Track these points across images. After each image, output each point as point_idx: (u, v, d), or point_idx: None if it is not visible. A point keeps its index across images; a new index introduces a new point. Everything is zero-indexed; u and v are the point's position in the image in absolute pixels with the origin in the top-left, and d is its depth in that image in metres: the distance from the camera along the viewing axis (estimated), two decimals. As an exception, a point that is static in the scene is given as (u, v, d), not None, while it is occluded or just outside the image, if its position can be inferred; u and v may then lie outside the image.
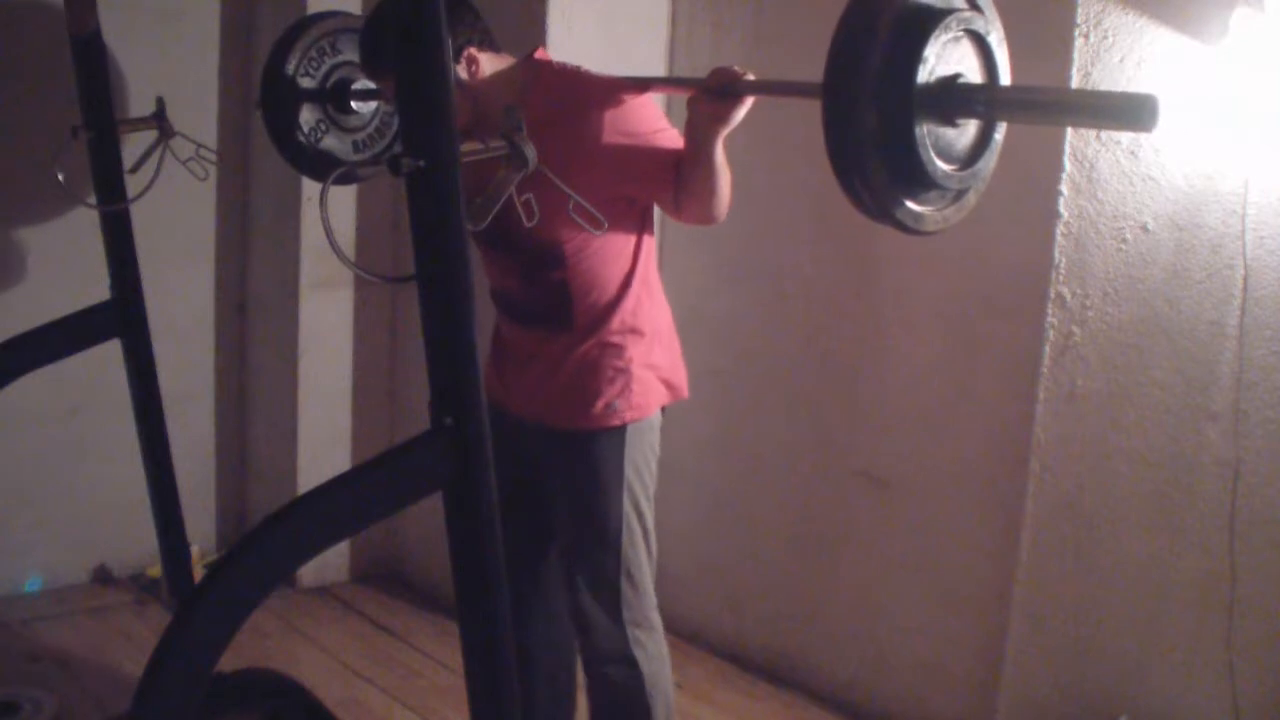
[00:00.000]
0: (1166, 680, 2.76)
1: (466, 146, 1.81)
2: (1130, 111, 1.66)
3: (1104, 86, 2.64)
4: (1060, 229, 2.72)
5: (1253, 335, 2.63)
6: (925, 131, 1.70)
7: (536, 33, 3.24)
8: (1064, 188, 2.69)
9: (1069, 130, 2.66)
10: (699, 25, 3.51)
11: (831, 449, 3.29)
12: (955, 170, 1.78)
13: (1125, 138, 2.67)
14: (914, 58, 1.67)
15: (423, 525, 3.75)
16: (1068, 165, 2.68)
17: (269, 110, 2.87)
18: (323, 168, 2.82)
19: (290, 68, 2.84)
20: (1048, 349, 2.78)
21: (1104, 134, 2.68)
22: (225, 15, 3.86)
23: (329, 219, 1.79)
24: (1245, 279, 2.62)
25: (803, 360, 3.33)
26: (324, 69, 2.88)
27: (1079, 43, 2.63)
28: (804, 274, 3.30)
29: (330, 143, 2.88)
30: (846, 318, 3.23)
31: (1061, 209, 2.70)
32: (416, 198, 1.75)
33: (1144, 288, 2.73)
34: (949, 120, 1.74)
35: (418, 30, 1.68)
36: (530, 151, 1.90)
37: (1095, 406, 2.78)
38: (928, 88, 1.68)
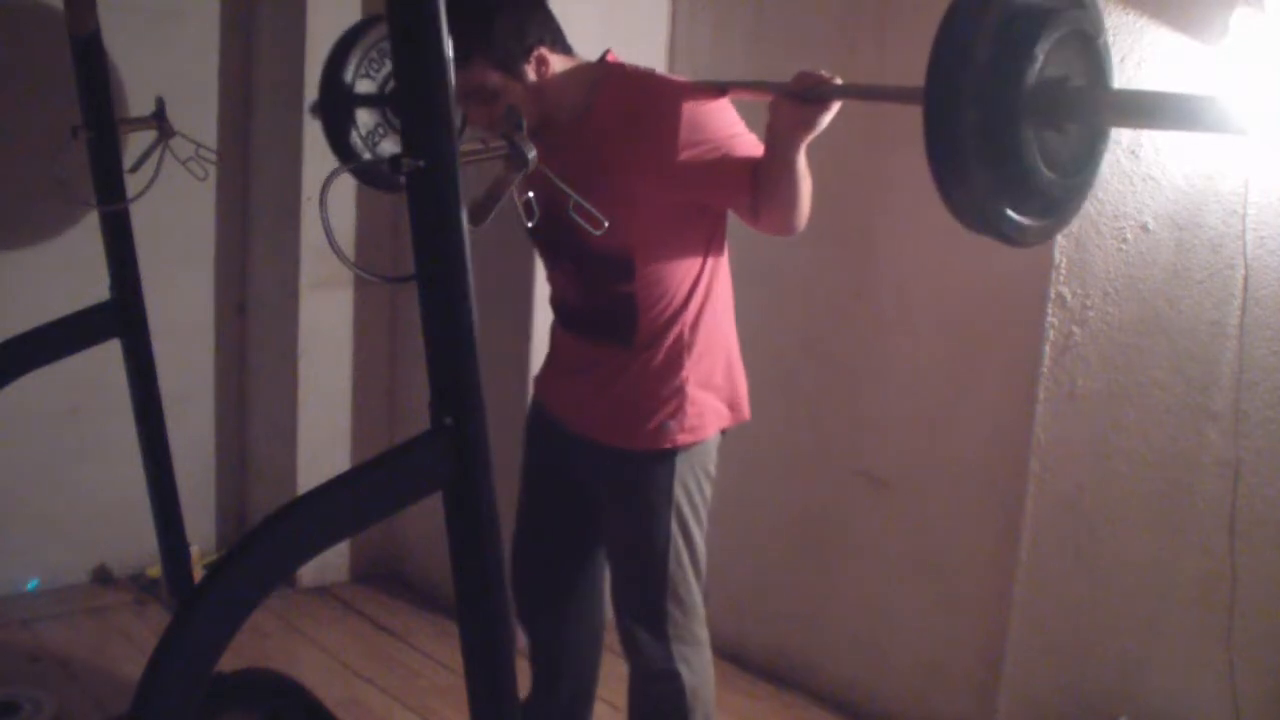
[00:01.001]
0: (1166, 680, 2.76)
1: (466, 147, 1.80)
2: (1257, 117, 1.58)
3: (1104, 86, 2.64)
4: (1060, 229, 2.72)
5: (1253, 335, 2.63)
6: (1032, 136, 1.61)
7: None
8: (1064, 188, 2.69)
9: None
10: (699, 25, 3.51)
11: (831, 449, 3.29)
12: (1060, 179, 1.68)
13: (1125, 137, 2.67)
14: (1024, 58, 1.58)
15: (423, 525, 3.74)
16: (1068, 165, 2.68)
17: (326, 114, 2.81)
18: (379, 173, 2.74)
19: (349, 71, 2.76)
20: (1048, 349, 2.78)
21: (1104, 134, 2.67)
22: (225, 15, 3.86)
23: (329, 219, 1.78)
24: (1245, 279, 2.62)
25: (803, 360, 3.33)
26: (384, 73, 2.80)
27: (1079, 43, 2.63)
28: (804, 274, 3.30)
29: (388, 147, 2.79)
30: (846, 318, 3.23)
31: (1061, 209, 2.70)
32: (416, 198, 1.74)
33: (1144, 288, 2.73)
34: (1057, 125, 1.64)
35: (417, 30, 1.67)
36: (530, 151, 1.88)
37: (1095, 406, 2.78)
38: (1037, 89, 1.59)
